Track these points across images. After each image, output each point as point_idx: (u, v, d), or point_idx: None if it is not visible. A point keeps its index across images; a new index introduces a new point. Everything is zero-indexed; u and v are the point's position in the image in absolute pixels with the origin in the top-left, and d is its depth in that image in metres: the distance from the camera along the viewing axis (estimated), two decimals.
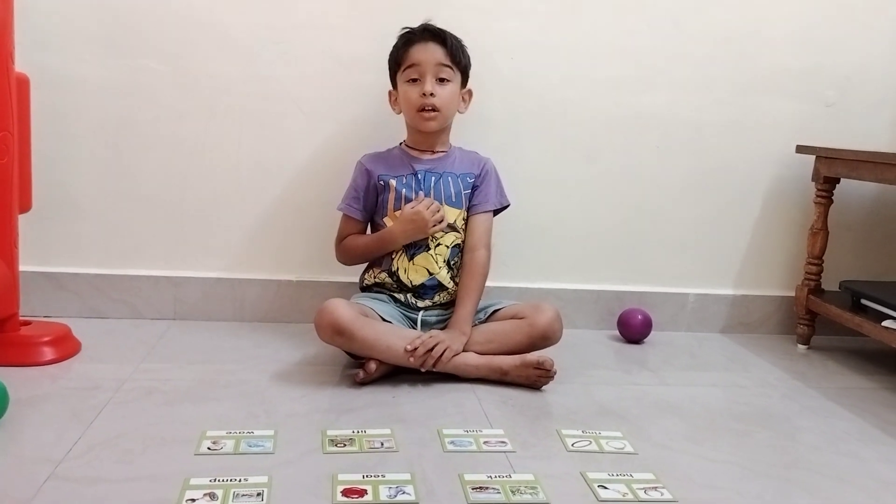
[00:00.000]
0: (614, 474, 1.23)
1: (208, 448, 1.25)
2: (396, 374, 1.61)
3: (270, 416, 1.39)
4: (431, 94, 1.68)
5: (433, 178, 1.75)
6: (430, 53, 1.69)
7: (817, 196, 2.00)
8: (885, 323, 1.76)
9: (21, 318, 1.64)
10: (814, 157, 2.00)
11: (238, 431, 1.31)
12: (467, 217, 1.77)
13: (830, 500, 1.22)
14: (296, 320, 1.95)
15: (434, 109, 1.70)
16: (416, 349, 1.55)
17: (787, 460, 1.37)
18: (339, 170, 1.87)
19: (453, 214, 1.74)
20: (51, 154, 1.83)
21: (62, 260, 1.89)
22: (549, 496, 1.16)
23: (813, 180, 2.01)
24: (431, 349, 1.57)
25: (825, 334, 2.08)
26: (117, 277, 1.91)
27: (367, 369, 1.56)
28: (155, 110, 1.87)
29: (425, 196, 1.73)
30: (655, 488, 1.20)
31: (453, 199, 1.75)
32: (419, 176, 1.74)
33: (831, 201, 1.99)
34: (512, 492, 1.16)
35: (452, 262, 1.75)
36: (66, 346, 1.63)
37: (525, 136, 2.00)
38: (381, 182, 1.75)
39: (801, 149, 2.03)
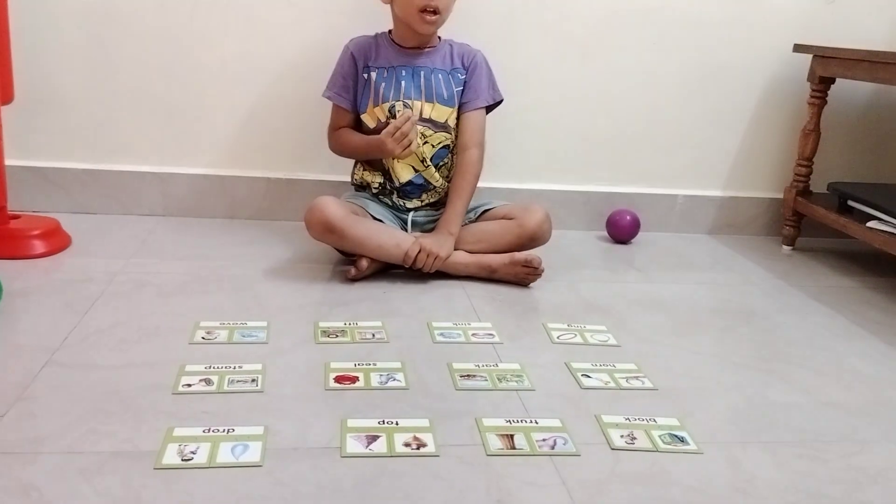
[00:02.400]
0: (597, 364, 1.27)
1: (202, 338, 1.28)
2: (387, 270, 1.63)
3: (263, 309, 1.42)
4: None
5: (422, 74, 1.70)
6: None
7: (812, 96, 1.98)
8: (870, 223, 1.78)
9: (10, 213, 1.63)
10: (811, 56, 1.97)
11: (231, 322, 1.34)
12: (460, 114, 1.73)
13: (806, 390, 1.27)
14: (286, 218, 1.94)
15: (436, 12, 1.61)
16: (411, 263, 1.57)
17: (765, 353, 1.42)
18: (327, 64, 1.81)
19: (445, 113, 1.71)
20: (34, 45, 1.78)
21: (48, 154, 1.87)
22: (533, 383, 1.20)
23: (808, 80, 1.98)
24: (422, 261, 1.58)
25: (812, 236, 2.10)
26: (105, 173, 1.89)
27: (358, 266, 1.58)
28: (138, 1, 1.81)
29: (415, 95, 1.68)
30: (637, 377, 1.25)
31: (445, 98, 1.71)
32: (402, 73, 1.69)
33: (825, 102, 1.97)
34: (498, 379, 1.20)
35: (441, 163, 1.74)
36: (56, 239, 1.63)
37: (519, 31, 1.96)
38: (364, 74, 1.70)
39: (798, 47, 1.99)
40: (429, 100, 1.70)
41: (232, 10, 1.84)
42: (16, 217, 1.65)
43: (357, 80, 1.70)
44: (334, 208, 1.56)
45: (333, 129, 1.75)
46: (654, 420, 1.11)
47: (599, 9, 1.96)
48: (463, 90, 1.73)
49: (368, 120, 1.70)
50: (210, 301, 1.44)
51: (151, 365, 1.17)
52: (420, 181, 1.72)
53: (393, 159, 1.68)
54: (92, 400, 1.06)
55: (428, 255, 1.58)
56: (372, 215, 1.65)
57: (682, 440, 1.06)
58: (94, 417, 1.02)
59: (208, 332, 1.29)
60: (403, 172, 1.70)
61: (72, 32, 1.81)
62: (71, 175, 1.88)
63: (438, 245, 1.61)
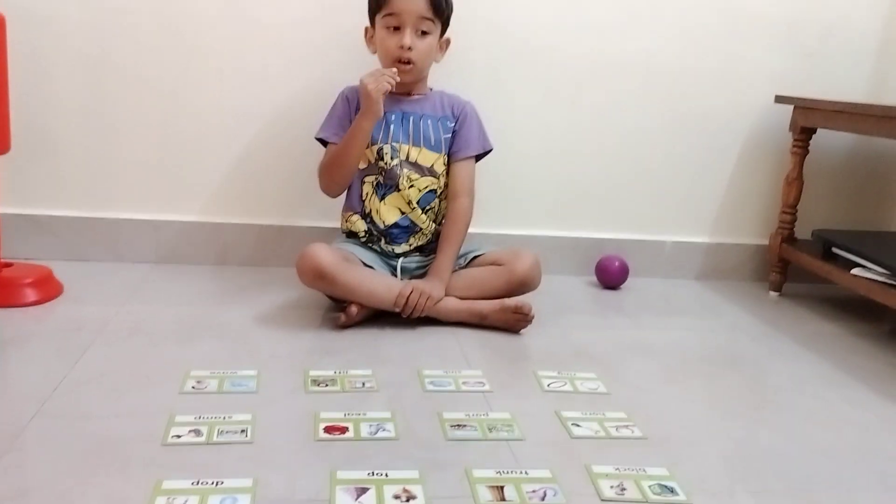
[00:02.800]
0: (587, 413, 1.28)
1: (192, 387, 1.28)
2: (378, 317, 1.64)
3: (253, 357, 1.42)
4: (409, 48, 1.66)
5: (411, 119, 1.73)
6: (412, 4, 1.65)
7: (794, 146, 2.02)
8: (855, 271, 1.81)
9: (2, 260, 1.64)
10: (792, 107, 2.02)
11: (222, 371, 1.34)
12: (448, 163, 1.77)
13: (795, 437, 1.27)
14: (277, 264, 1.96)
15: (410, 62, 1.67)
16: (403, 305, 1.59)
17: (754, 401, 1.43)
18: (318, 111, 1.85)
19: (431, 159, 1.74)
20: (28, 95, 1.81)
21: (42, 202, 1.89)
22: (524, 433, 1.20)
23: (790, 130, 2.03)
24: (414, 301, 1.60)
25: (797, 282, 2.12)
26: (98, 220, 1.91)
27: (348, 313, 1.59)
28: (134, 51, 1.85)
29: (403, 139, 1.72)
30: (627, 426, 1.25)
31: (432, 143, 1.74)
32: (391, 117, 1.72)
33: (807, 151, 2.02)
34: (489, 429, 1.20)
35: (427, 208, 1.75)
36: (48, 287, 1.64)
37: (508, 81, 2.00)
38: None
39: (779, 99, 2.04)
40: (416, 144, 1.73)
41: (224, 59, 1.88)
42: (8, 265, 1.66)
43: (350, 122, 1.71)
44: (325, 255, 1.57)
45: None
46: (644, 470, 1.11)
47: (587, 61, 2.01)
48: (452, 139, 1.77)
49: (361, 163, 1.72)
50: (201, 349, 1.44)
51: (142, 415, 1.17)
52: (406, 223, 1.74)
53: (373, 205, 1.72)
54: (81, 451, 1.05)
55: (420, 295, 1.60)
56: (363, 262, 1.67)
57: (671, 490, 1.06)
58: (83, 469, 1.01)
59: (199, 382, 1.29)
60: (389, 215, 1.73)
61: (66, 81, 1.84)
62: (63, 223, 1.89)
63: (430, 287, 1.62)
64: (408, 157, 1.72)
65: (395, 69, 1.65)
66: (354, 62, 1.87)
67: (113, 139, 1.89)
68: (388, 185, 1.73)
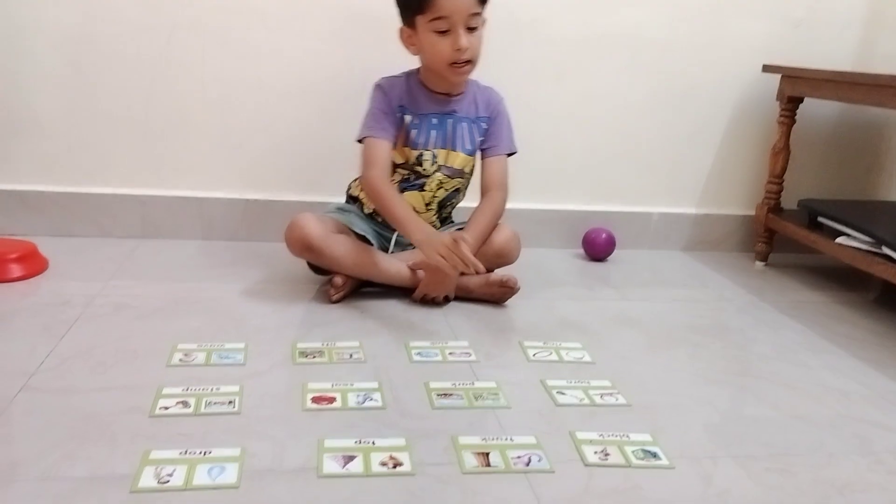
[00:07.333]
0: (572, 382, 1.29)
1: (180, 360, 1.28)
2: (364, 290, 1.64)
3: (240, 331, 1.42)
4: (466, 50, 1.55)
5: (448, 123, 1.68)
6: (461, 3, 1.52)
7: (781, 115, 2.03)
8: (839, 240, 1.82)
9: None
10: (779, 76, 2.02)
11: (209, 344, 1.34)
12: (483, 159, 1.72)
13: (778, 404, 1.29)
14: (264, 239, 1.95)
15: (468, 62, 1.59)
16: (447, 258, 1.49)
17: (738, 369, 1.44)
18: (304, 86, 1.85)
19: (464, 161, 1.70)
20: (9, 69, 1.79)
21: (26, 177, 1.87)
22: (509, 401, 1.21)
23: (777, 100, 2.03)
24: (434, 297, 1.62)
25: (783, 252, 2.14)
26: (83, 195, 1.89)
27: (334, 283, 1.59)
28: (117, 24, 1.82)
29: (440, 143, 1.66)
30: (611, 394, 1.26)
31: (466, 147, 1.69)
32: (433, 120, 1.66)
33: (794, 121, 2.02)
34: (475, 398, 1.21)
35: (449, 203, 1.74)
36: (33, 263, 1.63)
37: (494, 54, 1.97)
38: (398, 114, 1.65)
39: (767, 68, 2.04)
40: (453, 149, 1.68)
41: (209, 33, 1.86)
42: None
43: (393, 114, 1.65)
44: (314, 226, 1.56)
45: (375, 165, 1.61)
46: (628, 436, 1.12)
47: (573, 32, 2.00)
48: (485, 136, 1.72)
49: (397, 156, 1.68)
50: (188, 323, 1.44)
51: (129, 388, 1.17)
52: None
53: (399, 192, 1.67)
54: (68, 424, 1.06)
55: (437, 295, 1.62)
56: (356, 232, 1.66)
57: (654, 455, 1.08)
58: (70, 441, 1.02)
59: (186, 355, 1.30)
60: None
61: (50, 56, 1.82)
62: (48, 198, 1.88)
63: (446, 287, 1.62)
64: (445, 162, 1.68)
65: (479, 265, 1.45)
66: (342, 31, 1.86)
67: (97, 114, 1.87)
68: (414, 184, 1.69)
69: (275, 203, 1.97)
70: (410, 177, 1.69)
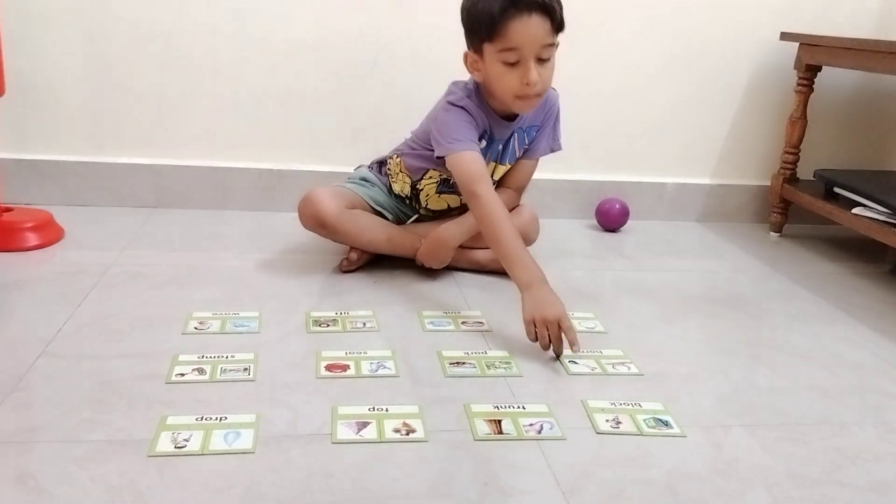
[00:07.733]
0: (584, 351, 1.29)
1: (195, 328, 1.29)
2: (378, 261, 1.64)
3: (255, 300, 1.43)
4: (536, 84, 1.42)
5: (503, 141, 1.60)
6: (534, 32, 1.37)
7: (798, 84, 2.00)
8: (855, 210, 1.80)
9: (2, 205, 1.64)
10: (797, 44, 1.98)
11: (224, 313, 1.35)
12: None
13: (790, 374, 1.29)
14: (278, 209, 1.95)
15: (537, 95, 1.46)
16: None
17: (751, 339, 1.44)
18: (317, 56, 1.84)
19: (502, 171, 1.65)
20: (24, 38, 1.78)
21: (42, 147, 1.88)
22: (521, 370, 1.22)
23: (795, 68, 2.00)
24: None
25: (799, 223, 2.12)
26: (98, 165, 1.90)
27: (349, 258, 1.59)
28: None
29: (493, 158, 1.60)
30: (623, 363, 1.27)
31: (512, 159, 1.64)
32: (498, 146, 1.59)
33: (812, 90, 1.99)
34: (487, 366, 1.22)
35: None
36: (49, 232, 1.64)
37: None
38: (480, 136, 1.55)
39: (784, 36, 2.01)
40: (500, 162, 1.63)
41: (222, 2, 1.85)
42: (8, 210, 1.66)
43: (476, 123, 1.54)
44: (328, 203, 1.55)
45: (483, 179, 1.46)
46: (639, 405, 1.13)
47: None
48: (528, 145, 1.65)
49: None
50: (203, 292, 1.45)
51: (145, 355, 1.19)
52: (444, 209, 1.70)
53: (430, 190, 1.65)
54: (86, 390, 1.07)
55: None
56: (372, 207, 1.64)
57: (666, 424, 1.08)
58: (88, 407, 1.03)
59: (201, 323, 1.31)
60: (437, 204, 1.68)
61: (64, 25, 1.82)
62: (64, 167, 1.89)
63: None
64: (492, 174, 1.61)
65: (578, 344, 1.26)
66: (352, 5, 1.85)
67: (112, 83, 1.87)
68: (452, 186, 1.63)
69: (288, 172, 1.97)
70: (449, 180, 1.62)
